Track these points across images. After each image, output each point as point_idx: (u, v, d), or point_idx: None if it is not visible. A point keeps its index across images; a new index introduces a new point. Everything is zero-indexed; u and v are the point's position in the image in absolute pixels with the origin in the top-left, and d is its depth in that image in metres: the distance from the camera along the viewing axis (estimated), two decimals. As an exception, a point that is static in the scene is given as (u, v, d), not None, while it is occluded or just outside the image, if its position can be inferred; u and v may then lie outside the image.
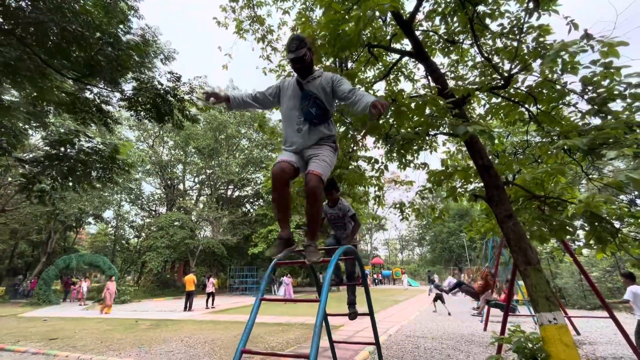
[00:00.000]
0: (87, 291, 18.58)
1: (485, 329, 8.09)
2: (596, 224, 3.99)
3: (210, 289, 14.97)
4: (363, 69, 6.07)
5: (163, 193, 32.90)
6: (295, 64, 2.28)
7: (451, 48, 5.73)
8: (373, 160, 5.13)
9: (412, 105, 3.36)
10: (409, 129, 3.97)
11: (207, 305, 14.47)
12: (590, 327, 7.58)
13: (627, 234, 4.03)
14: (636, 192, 5.62)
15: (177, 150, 30.78)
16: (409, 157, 5.56)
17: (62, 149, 3.88)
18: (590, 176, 3.76)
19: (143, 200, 32.85)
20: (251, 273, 25.05)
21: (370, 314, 3.13)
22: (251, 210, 31.21)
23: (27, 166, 4.01)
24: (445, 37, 5.40)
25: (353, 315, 3.68)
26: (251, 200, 32.91)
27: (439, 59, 11.43)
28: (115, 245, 33.97)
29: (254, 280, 24.44)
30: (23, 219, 23.68)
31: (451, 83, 6.53)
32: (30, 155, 4.02)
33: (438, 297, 11.92)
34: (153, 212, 33.21)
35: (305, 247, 2.30)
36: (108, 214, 33.35)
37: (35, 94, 3.58)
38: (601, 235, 4.01)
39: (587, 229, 4.24)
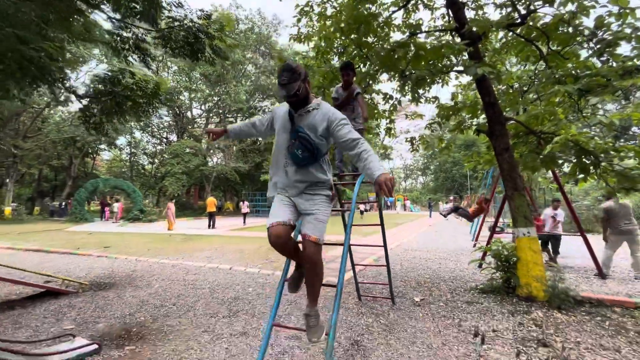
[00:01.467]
0: (120, 211, 20.49)
1: (474, 246, 9.31)
2: (582, 156, 4.54)
3: (245, 210, 18.05)
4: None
5: (172, 121, 33.22)
6: (287, 99, 1.95)
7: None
8: (388, 96, 5.48)
9: (429, 47, 3.63)
10: (424, 69, 4.26)
11: (244, 223, 17.45)
12: (571, 246, 8.69)
13: (607, 165, 4.60)
14: (621, 130, 5.99)
15: (182, 75, 30.03)
16: (420, 91, 5.88)
17: (111, 86, 4.29)
18: (584, 115, 4.16)
19: (153, 127, 33.40)
20: (262, 197, 26.91)
21: (382, 224, 3.92)
22: (260, 139, 31.82)
23: (83, 101, 4.49)
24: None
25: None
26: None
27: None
28: (132, 171, 35.76)
29: (265, 204, 26.42)
30: (43, 145, 24.75)
31: (470, 13, 6.42)
32: (84, 91, 4.42)
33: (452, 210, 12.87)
34: (164, 140, 34.05)
35: (305, 318, 2.10)
36: (121, 141, 34.38)
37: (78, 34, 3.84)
38: (585, 166, 4.58)
39: (574, 161, 4.80)
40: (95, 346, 2.87)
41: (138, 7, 3.55)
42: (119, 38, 4.11)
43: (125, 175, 35.53)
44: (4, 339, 2.40)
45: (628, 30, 3.65)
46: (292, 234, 2.06)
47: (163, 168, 26.99)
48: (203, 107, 33.91)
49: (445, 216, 11.20)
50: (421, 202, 44.67)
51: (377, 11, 4.86)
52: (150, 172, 35.21)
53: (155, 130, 33.99)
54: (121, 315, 3.83)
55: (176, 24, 4.09)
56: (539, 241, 4.80)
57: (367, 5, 4.69)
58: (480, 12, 5.74)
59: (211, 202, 15.33)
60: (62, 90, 4.22)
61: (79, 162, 29.98)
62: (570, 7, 3.61)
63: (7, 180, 22.14)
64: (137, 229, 15.86)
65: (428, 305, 4.04)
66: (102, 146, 32.50)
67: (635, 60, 3.47)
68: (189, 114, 33.69)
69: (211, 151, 29.72)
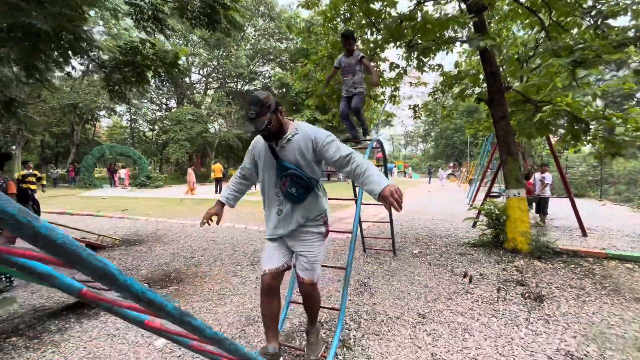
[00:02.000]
0: (127, 177, 21.00)
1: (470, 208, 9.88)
2: (574, 123, 4.87)
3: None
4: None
5: (171, 86, 32.70)
6: (259, 134, 1.81)
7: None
8: (394, 65, 5.67)
9: (436, 19, 3.83)
10: (430, 40, 4.46)
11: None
12: (561, 208, 9.24)
13: (596, 132, 4.95)
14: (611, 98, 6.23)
15: (179, 38, 29.08)
16: (425, 60, 6.05)
17: (132, 56, 4.49)
18: (579, 84, 4.43)
19: (152, 93, 32.97)
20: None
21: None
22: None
23: (106, 70, 4.71)
24: None
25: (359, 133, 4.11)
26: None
27: None
28: (134, 138, 35.82)
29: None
30: (43, 111, 24.64)
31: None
32: (107, 60, 4.60)
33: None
34: (164, 106, 33.74)
35: (306, 335, 2.17)
36: (120, 107, 34.05)
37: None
38: (577, 132, 4.93)
39: (567, 128, 5.13)
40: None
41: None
42: (137, 9, 4.27)
43: (127, 142, 35.65)
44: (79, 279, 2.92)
45: (628, 1, 3.84)
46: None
47: (165, 135, 27.12)
48: (202, 72, 33.22)
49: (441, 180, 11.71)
50: (421, 169, 45.17)
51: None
52: (151, 139, 35.32)
53: (155, 96, 33.59)
54: (158, 264, 4.39)
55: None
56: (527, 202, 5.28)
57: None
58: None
59: (217, 168, 15.78)
60: (86, 60, 4.38)
61: (80, 129, 30.00)
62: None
63: (14, 147, 22.38)
64: (147, 193, 16.44)
65: (425, 257, 4.60)
66: (102, 112, 32.32)
67: (629, 32, 3.70)
68: (187, 79, 33.08)
69: (211, 117, 29.64)
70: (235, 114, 27.40)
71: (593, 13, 3.78)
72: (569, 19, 4.30)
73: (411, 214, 8.99)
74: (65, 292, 0.75)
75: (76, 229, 5.66)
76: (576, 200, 6.48)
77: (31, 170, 7.12)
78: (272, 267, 1.91)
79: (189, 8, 4.27)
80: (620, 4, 3.77)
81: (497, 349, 2.30)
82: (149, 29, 4.44)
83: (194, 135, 23.98)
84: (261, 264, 1.95)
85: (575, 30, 4.50)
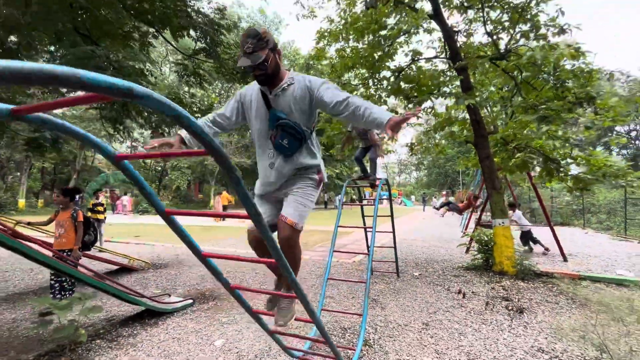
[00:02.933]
0: (130, 204, 21.42)
1: (463, 236, 10.60)
2: (547, 162, 5.75)
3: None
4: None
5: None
6: (254, 73, 1.67)
7: (466, 5, 6.63)
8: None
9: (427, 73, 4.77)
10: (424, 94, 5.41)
11: None
12: (544, 236, 9.98)
13: (567, 169, 5.82)
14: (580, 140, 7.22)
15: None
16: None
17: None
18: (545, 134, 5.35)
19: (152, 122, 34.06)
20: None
21: (391, 215, 5.11)
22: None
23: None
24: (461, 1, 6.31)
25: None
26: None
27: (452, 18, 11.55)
28: (133, 165, 36.37)
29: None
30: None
31: (462, 39, 7.56)
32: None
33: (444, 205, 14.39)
34: (165, 133, 34.71)
35: (278, 301, 1.99)
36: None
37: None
38: (550, 170, 5.80)
39: (542, 166, 6.01)
40: (191, 300, 4.02)
41: (207, 47, 4.60)
42: (182, 66, 5.15)
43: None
44: (137, 291, 3.49)
45: (582, 66, 4.85)
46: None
47: (166, 162, 27.80)
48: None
49: (438, 209, 12.46)
50: (414, 197, 46.19)
51: (388, 50, 5.92)
52: (150, 165, 35.99)
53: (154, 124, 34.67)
54: (190, 284, 4.96)
55: (227, 56, 5.16)
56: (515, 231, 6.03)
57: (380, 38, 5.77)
58: (470, 40, 6.89)
59: (225, 197, 16.49)
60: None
61: (81, 156, 30.62)
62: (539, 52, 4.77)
63: (19, 174, 22.81)
64: (151, 220, 16.86)
65: (424, 278, 5.26)
66: (103, 139, 33.03)
67: (580, 93, 4.66)
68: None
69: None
70: (236, 143, 28.42)
71: (554, 76, 4.76)
72: (533, 81, 5.30)
73: (409, 241, 9.65)
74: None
75: (106, 250, 6.20)
76: (561, 228, 7.30)
77: (100, 200, 7.64)
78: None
79: (225, 66, 5.18)
80: (575, 70, 4.77)
81: (485, 346, 2.95)
82: (190, 83, 5.33)
83: (195, 163, 24.76)
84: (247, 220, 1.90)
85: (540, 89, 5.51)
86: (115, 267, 5.66)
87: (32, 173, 30.40)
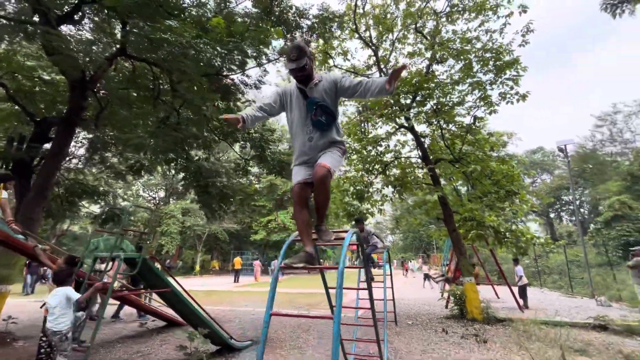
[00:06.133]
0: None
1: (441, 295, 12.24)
2: (497, 233, 7.93)
3: (257, 269, 20.62)
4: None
5: (162, 179, 35.08)
6: (296, 74, 2.24)
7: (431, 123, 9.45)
8: (384, 196, 8.82)
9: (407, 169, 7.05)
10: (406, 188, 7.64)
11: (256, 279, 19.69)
12: (507, 293, 11.86)
13: (511, 240, 8.00)
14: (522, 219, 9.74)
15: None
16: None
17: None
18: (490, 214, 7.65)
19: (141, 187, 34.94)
20: (246, 256, 28.55)
21: (390, 274, 6.85)
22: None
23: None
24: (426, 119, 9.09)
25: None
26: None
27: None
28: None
29: (249, 262, 28.04)
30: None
31: (428, 141, 10.27)
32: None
33: (427, 276, 16.32)
34: (153, 199, 35.41)
35: (317, 229, 2.42)
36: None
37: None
38: (499, 239, 7.95)
39: (493, 236, 8.17)
40: (250, 342, 5.37)
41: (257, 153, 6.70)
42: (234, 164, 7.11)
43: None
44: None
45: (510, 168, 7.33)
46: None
47: (160, 228, 28.17)
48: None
49: (437, 282, 14.16)
50: (396, 262, 47.50)
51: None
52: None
53: (142, 189, 35.50)
54: (236, 334, 6.22)
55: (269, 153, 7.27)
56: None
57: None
58: (437, 141, 9.56)
59: (237, 261, 17.93)
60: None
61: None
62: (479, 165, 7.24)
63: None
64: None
65: (416, 325, 6.83)
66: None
67: (509, 187, 7.06)
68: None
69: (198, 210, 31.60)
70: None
71: (491, 176, 7.20)
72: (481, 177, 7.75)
73: (397, 299, 11.12)
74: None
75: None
76: (522, 288, 9.23)
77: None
78: (300, 179, 2.28)
79: (269, 163, 7.23)
80: (504, 170, 7.26)
81: (463, 360, 4.59)
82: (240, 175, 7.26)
83: (186, 227, 25.49)
84: (292, 181, 2.35)
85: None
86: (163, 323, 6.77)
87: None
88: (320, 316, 2.29)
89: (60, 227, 28.52)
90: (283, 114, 2.53)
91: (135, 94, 6.45)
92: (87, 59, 5.07)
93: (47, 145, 6.86)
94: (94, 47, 5.42)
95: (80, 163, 8.07)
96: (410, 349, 5.10)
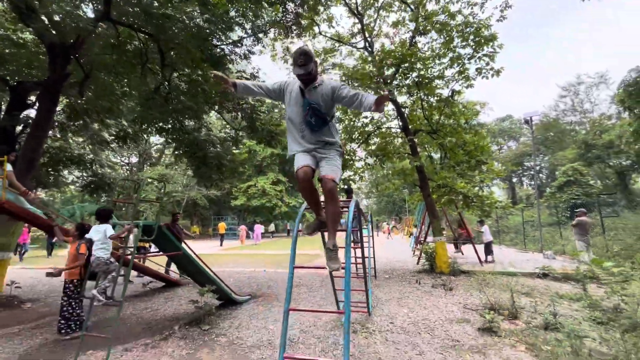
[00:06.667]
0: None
1: (413, 253, 13.53)
2: (465, 198, 8.82)
3: (242, 233, 22.01)
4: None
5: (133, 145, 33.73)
6: (302, 77, 2.41)
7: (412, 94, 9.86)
8: (367, 165, 9.36)
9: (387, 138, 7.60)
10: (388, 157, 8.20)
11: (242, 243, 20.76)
12: (469, 250, 13.37)
13: (477, 204, 8.94)
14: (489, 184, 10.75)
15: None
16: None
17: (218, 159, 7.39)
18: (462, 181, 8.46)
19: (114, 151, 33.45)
20: (227, 222, 29.02)
21: (372, 237, 7.61)
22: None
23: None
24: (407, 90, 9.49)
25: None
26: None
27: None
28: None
29: (231, 227, 28.61)
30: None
31: (407, 112, 10.71)
32: None
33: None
34: (126, 165, 34.21)
35: (327, 252, 2.51)
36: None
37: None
38: (467, 203, 8.86)
39: (462, 201, 9.07)
40: (248, 296, 6.00)
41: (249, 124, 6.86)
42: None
43: (92, 200, 34.38)
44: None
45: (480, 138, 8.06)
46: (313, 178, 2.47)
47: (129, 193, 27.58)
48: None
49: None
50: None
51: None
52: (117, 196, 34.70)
53: (116, 153, 34.06)
54: (237, 288, 6.83)
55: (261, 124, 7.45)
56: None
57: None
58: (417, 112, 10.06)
59: (222, 226, 18.42)
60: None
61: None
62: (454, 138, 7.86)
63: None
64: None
65: (392, 278, 7.77)
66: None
67: (478, 157, 7.81)
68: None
69: (175, 176, 31.09)
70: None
71: (462, 149, 7.91)
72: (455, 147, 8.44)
73: (376, 258, 12.22)
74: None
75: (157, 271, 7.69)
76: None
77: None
78: (303, 164, 2.40)
79: (259, 133, 7.44)
80: (476, 141, 7.97)
81: (433, 304, 5.47)
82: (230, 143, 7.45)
83: (165, 194, 25.22)
84: (295, 167, 2.45)
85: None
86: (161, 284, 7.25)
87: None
88: (339, 275, 2.80)
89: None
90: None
91: (119, 60, 6.27)
92: (73, 23, 4.88)
93: (28, 112, 6.66)
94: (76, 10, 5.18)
95: (60, 130, 7.81)
96: (388, 297, 5.96)
